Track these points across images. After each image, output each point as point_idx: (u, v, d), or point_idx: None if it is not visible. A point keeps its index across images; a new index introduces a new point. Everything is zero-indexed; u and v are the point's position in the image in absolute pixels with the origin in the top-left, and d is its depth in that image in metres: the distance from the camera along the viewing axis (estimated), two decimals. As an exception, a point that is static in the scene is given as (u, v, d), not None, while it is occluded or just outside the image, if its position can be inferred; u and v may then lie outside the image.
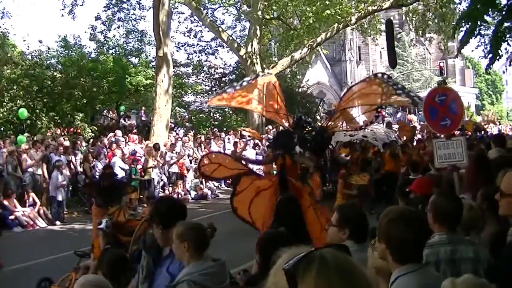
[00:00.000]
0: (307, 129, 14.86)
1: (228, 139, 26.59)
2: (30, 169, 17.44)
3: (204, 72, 38.53)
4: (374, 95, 13.57)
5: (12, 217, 15.92)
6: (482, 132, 28.30)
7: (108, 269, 4.26)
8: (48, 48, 31.05)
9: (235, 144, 24.49)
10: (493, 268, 3.16)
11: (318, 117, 33.97)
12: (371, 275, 1.66)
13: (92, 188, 13.69)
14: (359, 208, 4.27)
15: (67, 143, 19.79)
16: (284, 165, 9.58)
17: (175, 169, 21.76)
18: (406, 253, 2.93)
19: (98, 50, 32.61)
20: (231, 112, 36.04)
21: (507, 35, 15.71)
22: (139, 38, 34.35)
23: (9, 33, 31.29)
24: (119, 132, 22.82)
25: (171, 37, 30.76)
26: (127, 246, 5.68)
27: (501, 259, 3.13)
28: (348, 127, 15.20)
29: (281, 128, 13.89)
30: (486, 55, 15.89)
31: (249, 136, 23.45)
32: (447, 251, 3.65)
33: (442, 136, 7.10)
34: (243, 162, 10.52)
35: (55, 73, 26.86)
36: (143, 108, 30.19)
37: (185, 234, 3.79)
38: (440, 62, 47.00)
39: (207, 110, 36.61)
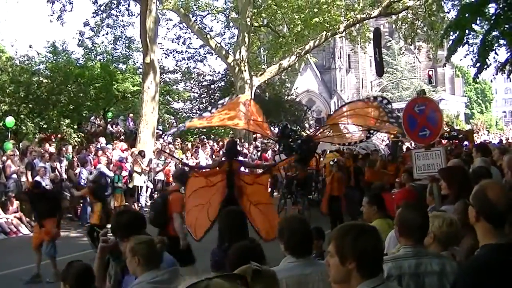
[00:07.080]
0: (292, 138, 14.95)
1: (216, 145, 26.60)
2: (14, 176, 17.24)
3: (193, 79, 38.43)
4: (367, 118, 13.83)
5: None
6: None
7: (75, 280, 4.20)
8: (38, 54, 30.81)
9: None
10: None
11: (307, 125, 34.03)
12: None
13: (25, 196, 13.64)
14: (301, 220, 4.15)
15: (52, 149, 19.61)
16: (231, 170, 10.13)
17: (161, 176, 21.61)
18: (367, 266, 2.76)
19: (86, 56, 32.41)
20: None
21: (495, 44, 15.78)
22: (127, 44, 34.18)
23: (-3, 38, 31.06)
24: (102, 139, 22.67)
25: (159, 43, 30.70)
26: None
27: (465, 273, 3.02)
28: (335, 138, 15.36)
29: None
30: (475, 64, 15.96)
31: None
32: (411, 265, 3.56)
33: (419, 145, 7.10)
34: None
35: (41, 79, 26.63)
36: (131, 114, 30.01)
37: (135, 248, 3.84)
38: (428, 71, 47.20)
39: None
